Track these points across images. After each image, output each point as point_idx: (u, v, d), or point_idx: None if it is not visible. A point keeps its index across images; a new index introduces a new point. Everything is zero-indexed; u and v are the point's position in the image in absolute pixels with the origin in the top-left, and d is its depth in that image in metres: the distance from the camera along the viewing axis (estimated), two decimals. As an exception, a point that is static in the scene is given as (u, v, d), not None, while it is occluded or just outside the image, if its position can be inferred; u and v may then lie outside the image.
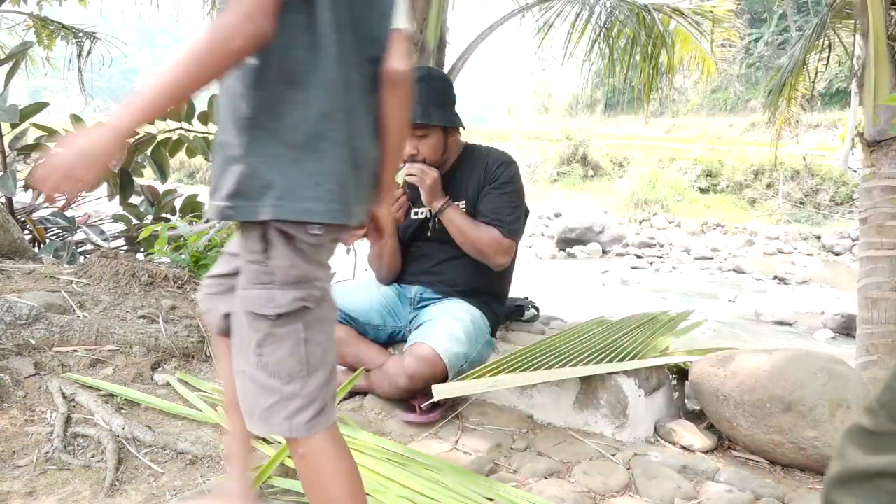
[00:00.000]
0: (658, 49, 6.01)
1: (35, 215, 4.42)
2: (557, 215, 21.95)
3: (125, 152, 4.38)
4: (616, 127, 34.44)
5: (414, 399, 2.07)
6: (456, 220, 2.17)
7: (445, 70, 6.00)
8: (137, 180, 4.67)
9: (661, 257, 17.77)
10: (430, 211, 2.30)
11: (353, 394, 2.23)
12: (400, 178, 2.12)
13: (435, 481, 1.58)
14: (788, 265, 14.79)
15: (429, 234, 2.31)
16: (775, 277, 13.34)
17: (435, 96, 2.15)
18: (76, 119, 4.62)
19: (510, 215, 2.20)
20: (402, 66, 1.15)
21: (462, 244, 2.19)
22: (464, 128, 2.28)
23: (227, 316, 1.24)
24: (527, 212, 2.35)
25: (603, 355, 2.00)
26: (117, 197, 4.55)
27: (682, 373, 2.37)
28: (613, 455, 1.82)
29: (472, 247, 2.18)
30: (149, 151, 4.60)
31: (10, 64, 4.22)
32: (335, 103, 1.07)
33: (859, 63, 4.13)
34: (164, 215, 4.60)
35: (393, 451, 1.70)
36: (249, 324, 1.11)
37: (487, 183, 2.23)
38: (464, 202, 2.26)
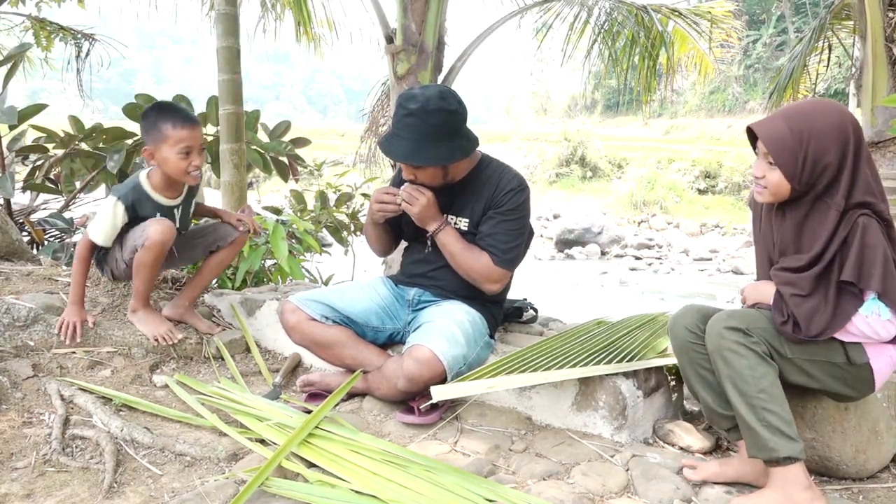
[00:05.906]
0: (657, 49, 6.03)
1: (33, 217, 4.41)
2: (556, 217, 21.97)
3: (124, 154, 4.38)
4: (615, 128, 34.47)
5: (413, 400, 2.06)
6: (448, 244, 2.13)
7: (444, 71, 5.99)
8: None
9: (659, 258, 17.80)
10: None
11: (351, 395, 2.23)
12: (398, 198, 2.13)
13: (434, 483, 1.58)
14: (787, 266, 14.76)
15: (427, 234, 2.30)
16: (774, 278, 13.33)
17: (429, 132, 2.01)
18: (74, 121, 4.62)
19: (507, 244, 2.14)
20: None
21: (454, 267, 2.18)
22: (466, 155, 2.11)
23: None
24: (531, 233, 2.30)
25: (602, 356, 2.00)
26: (116, 198, 4.54)
27: (680, 374, 2.37)
28: (612, 456, 1.82)
29: (463, 272, 2.17)
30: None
31: (9, 65, 4.21)
32: None
33: (857, 64, 4.13)
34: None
35: (392, 452, 1.70)
36: None
37: (494, 206, 2.17)
38: (466, 220, 2.22)
